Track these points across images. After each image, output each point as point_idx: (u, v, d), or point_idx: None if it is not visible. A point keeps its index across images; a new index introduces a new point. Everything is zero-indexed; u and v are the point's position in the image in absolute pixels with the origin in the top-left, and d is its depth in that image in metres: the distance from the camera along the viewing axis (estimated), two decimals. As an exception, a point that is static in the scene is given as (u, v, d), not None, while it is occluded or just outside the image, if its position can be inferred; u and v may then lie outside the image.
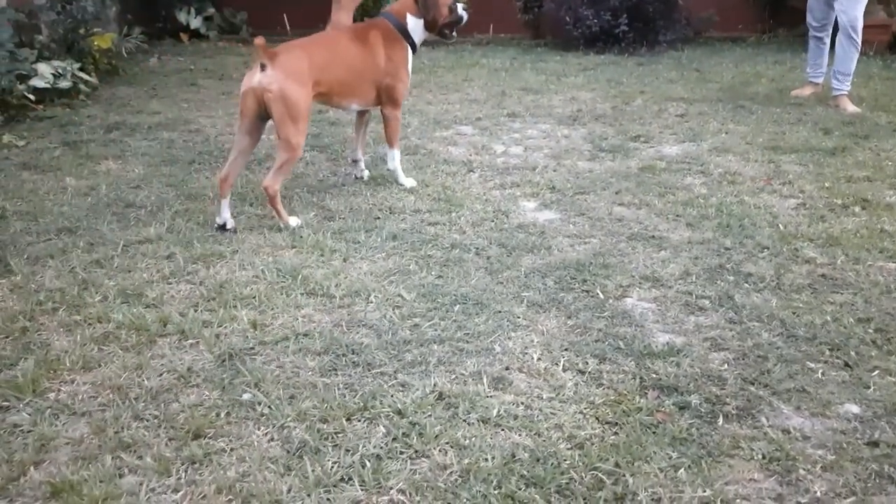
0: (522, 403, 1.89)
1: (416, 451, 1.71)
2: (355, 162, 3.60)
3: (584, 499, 1.58)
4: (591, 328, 2.25)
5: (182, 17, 7.75)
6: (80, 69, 5.18)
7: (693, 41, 7.52)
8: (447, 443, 1.74)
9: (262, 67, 2.85)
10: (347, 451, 1.71)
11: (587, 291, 2.47)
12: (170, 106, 5.05)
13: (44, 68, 4.82)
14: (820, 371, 2.04)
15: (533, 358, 2.09)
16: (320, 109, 3.23)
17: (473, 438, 1.75)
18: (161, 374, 2.01)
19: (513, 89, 5.56)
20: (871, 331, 2.23)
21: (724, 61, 6.63)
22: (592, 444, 1.74)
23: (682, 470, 1.66)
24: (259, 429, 1.79)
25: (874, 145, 4.05)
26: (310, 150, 3.99)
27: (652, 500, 1.58)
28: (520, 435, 1.78)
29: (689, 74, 6.11)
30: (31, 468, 1.66)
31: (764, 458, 1.71)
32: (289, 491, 1.60)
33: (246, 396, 1.91)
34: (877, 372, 2.03)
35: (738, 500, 1.59)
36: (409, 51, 3.33)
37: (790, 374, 2.02)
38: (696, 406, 1.88)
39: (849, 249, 2.77)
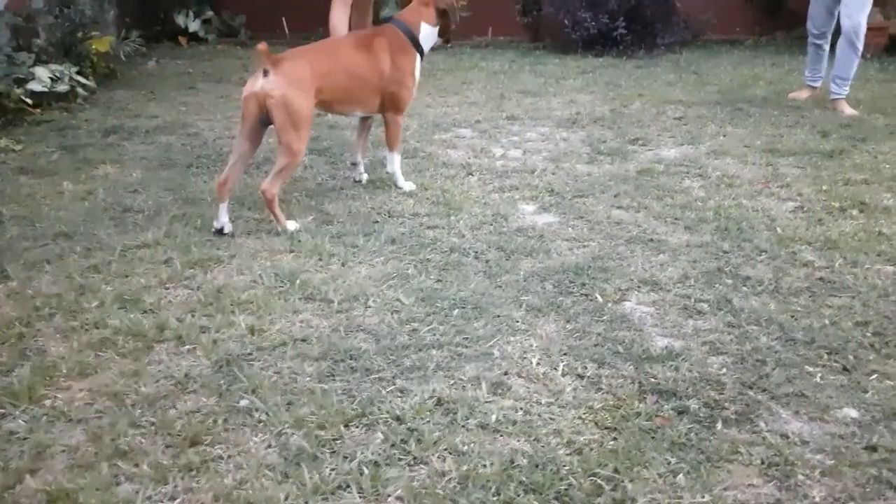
0: (521, 409, 1.89)
1: (415, 458, 1.71)
2: (354, 165, 3.60)
3: (583, 505, 1.57)
4: (590, 332, 2.24)
5: (180, 20, 7.75)
6: (78, 73, 5.17)
7: (691, 44, 7.53)
8: (446, 449, 1.73)
9: (265, 73, 2.86)
10: (345, 457, 1.71)
11: (586, 295, 2.47)
12: (168, 109, 5.05)
13: (41, 72, 4.81)
14: (818, 375, 2.04)
15: (532, 363, 2.09)
16: (318, 112, 3.23)
17: (472, 444, 1.75)
18: (158, 381, 2.00)
19: (511, 92, 5.56)
20: (869, 334, 2.23)
21: (722, 64, 6.63)
22: (591, 449, 1.74)
23: (680, 475, 1.66)
24: (256, 435, 1.79)
25: (871, 148, 4.06)
26: (308, 154, 3.98)
27: (651, 506, 1.58)
28: (518, 441, 1.77)
29: (687, 77, 6.11)
30: (28, 476, 1.66)
31: (763, 463, 1.70)
32: (286, 499, 1.59)
33: (243, 403, 1.90)
34: (875, 376, 2.03)
35: (737, 506, 1.59)
36: (418, 58, 3.33)
37: (789, 378, 2.02)
38: (694, 411, 1.88)
39: (846, 252, 2.77)
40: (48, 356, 2.11)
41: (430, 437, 1.76)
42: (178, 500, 1.59)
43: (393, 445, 1.74)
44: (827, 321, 2.30)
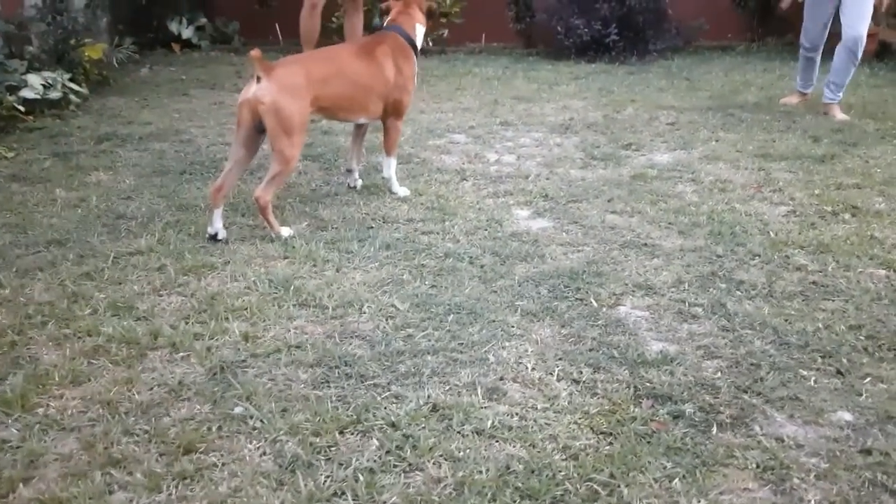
0: (517, 414, 1.89)
1: (410, 465, 1.70)
2: (349, 171, 3.60)
3: (579, 510, 1.57)
4: (585, 337, 2.24)
5: (174, 27, 7.73)
6: (71, 80, 5.15)
7: (683, 50, 7.56)
8: (441, 455, 1.73)
9: (259, 80, 2.86)
10: (340, 464, 1.70)
11: (581, 300, 2.47)
12: (161, 116, 5.04)
13: (34, 79, 4.79)
14: (812, 379, 2.04)
15: (527, 368, 2.09)
16: (313, 119, 3.23)
17: (468, 450, 1.74)
18: (152, 388, 1.99)
19: (505, 98, 5.57)
20: (862, 338, 2.24)
21: (714, 70, 6.67)
22: (587, 454, 1.74)
23: (676, 480, 1.66)
24: (251, 443, 1.78)
25: (863, 153, 4.08)
26: (302, 160, 3.98)
27: (647, 510, 1.58)
28: (514, 446, 1.77)
29: (680, 83, 6.14)
30: (21, 485, 1.64)
31: (758, 466, 1.71)
32: (281, 505, 1.58)
33: (238, 410, 1.89)
34: (868, 379, 2.04)
35: (733, 510, 1.59)
36: (415, 61, 3.38)
37: (783, 381, 2.02)
38: (690, 415, 1.88)
39: (839, 256, 2.79)
40: (41, 364, 2.10)
41: (426, 443, 1.76)
42: (172, 509, 1.58)
43: (388, 452, 1.74)
44: (820, 325, 2.31)
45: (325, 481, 1.65)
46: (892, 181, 3.61)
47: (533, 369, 2.08)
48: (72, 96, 5.07)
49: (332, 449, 1.75)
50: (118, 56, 6.36)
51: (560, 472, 1.68)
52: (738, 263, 2.74)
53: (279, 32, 8.06)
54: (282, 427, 1.82)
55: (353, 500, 1.60)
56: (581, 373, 2.06)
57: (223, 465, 1.70)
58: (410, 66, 3.33)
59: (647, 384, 2.01)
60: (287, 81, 2.90)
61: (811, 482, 1.66)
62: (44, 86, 4.81)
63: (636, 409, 1.90)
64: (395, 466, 1.70)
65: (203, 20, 7.97)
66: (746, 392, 1.98)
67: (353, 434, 1.81)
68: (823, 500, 1.61)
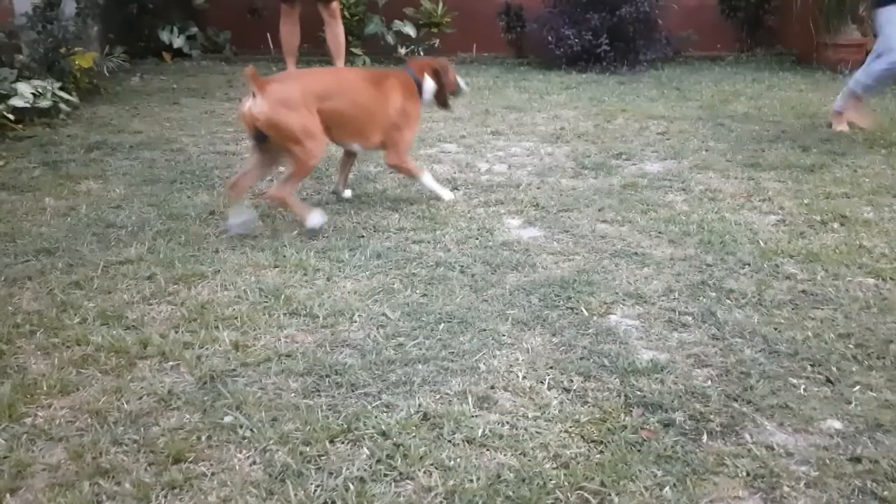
0: (507, 423, 1.88)
1: (401, 473, 1.70)
2: (335, 194, 3.61)
3: (570, 519, 1.57)
4: (576, 345, 2.25)
5: (165, 36, 7.73)
6: (61, 88, 5.14)
7: (673, 60, 7.63)
8: (432, 464, 1.72)
9: (254, 95, 2.91)
10: (331, 474, 1.69)
11: (571, 309, 2.48)
12: (152, 125, 5.03)
13: (24, 88, 4.78)
14: (802, 387, 2.05)
15: (518, 376, 2.09)
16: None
17: (458, 459, 1.74)
18: (141, 398, 1.98)
19: (496, 107, 5.59)
20: (851, 346, 2.25)
21: (704, 80, 6.72)
22: (578, 463, 1.74)
23: (667, 488, 1.66)
24: (241, 452, 1.77)
25: (851, 162, 4.12)
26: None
27: (638, 519, 1.58)
28: (505, 455, 1.76)
29: (670, 93, 6.19)
30: (7, 496, 1.63)
31: (748, 475, 1.71)
32: (271, 515, 1.57)
33: (227, 419, 1.88)
34: (858, 387, 2.05)
35: (723, 519, 1.59)
36: (420, 106, 3.45)
37: (773, 390, 2.03)
38: (680, 423, 1.88)
39: (828, 265, 2.80)
40: (29, 373, 2.08)
41: (417, 452, 1.75)
42: (160, 519, 1.57)
43: (379, 461, 1.73)
44: (810, 333, 2.32)
45: (316, 490, 1.64)
46: (880, 190, 3.65)
47: (524, 378, 2.08)
48: (62, 105, 5.06)
49: (323, 458, 1.75)
50: (109, 65, 6.36)
51: (551, 480, 1.67)
52: (728, 272, 2.76)
53: (270, 42, 8.07)
54: (272, 436, 1.81)
55: (344, 509, 1.59)
56: (572, 381, 2.06)
57: (213, 474, 1.69)
58: (414, 107, 3.40)
59: (638, 393, 2.01)
60: (280, 96, 2.94)
61: (801, 490, 1.67)
62: (34, 94, 4.80)
63: (626, 418, 1.90)
64: (385, 475, 1.69)
65: (194, 30, 7.98)
66: (736, 400, 1.98)
67: (343, 443, 1.80)
68: (813, 508, 1.62)
